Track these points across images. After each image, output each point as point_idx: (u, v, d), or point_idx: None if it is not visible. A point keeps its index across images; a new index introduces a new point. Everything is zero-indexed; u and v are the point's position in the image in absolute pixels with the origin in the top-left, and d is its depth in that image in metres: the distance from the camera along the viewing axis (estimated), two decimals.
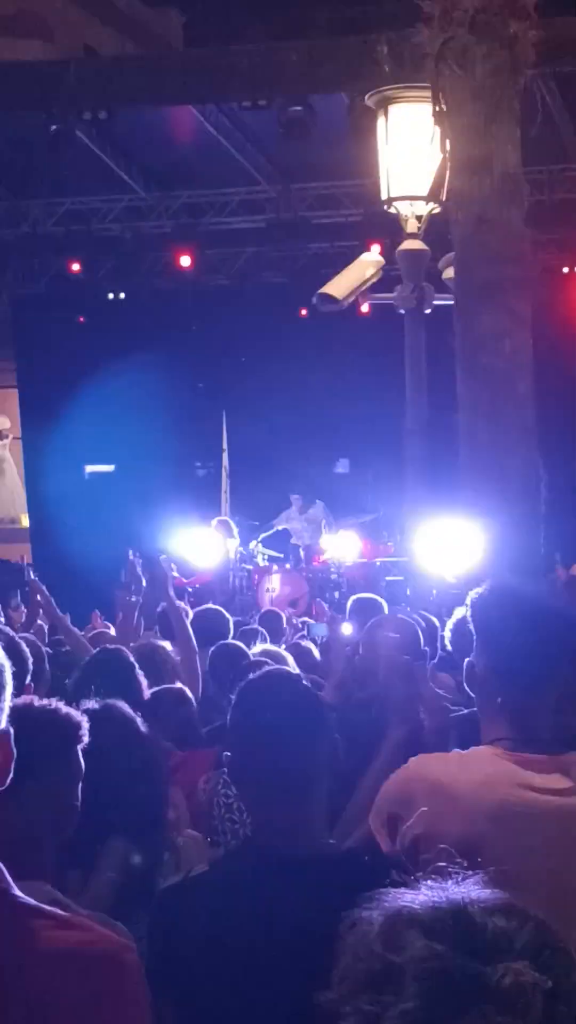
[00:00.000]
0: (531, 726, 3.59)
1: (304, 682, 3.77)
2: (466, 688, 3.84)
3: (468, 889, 1.61)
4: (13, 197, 19.79)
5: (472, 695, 3.77)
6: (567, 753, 3.56)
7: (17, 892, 2.10)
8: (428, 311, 10.52)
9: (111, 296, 21.70)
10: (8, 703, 2.15)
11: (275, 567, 20.25)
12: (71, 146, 17.78)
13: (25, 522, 25.48)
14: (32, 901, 2.11)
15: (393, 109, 10.58)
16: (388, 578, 18.91)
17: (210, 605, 10.97)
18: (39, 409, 22.89)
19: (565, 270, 19.73)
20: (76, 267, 20.65)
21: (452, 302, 8.23)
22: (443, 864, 1.81)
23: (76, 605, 14.72)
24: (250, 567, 20.25)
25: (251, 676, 3.70)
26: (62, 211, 20.19)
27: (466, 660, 3.75)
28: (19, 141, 17.82)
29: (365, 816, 3.76)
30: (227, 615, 9.95)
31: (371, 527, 20.04)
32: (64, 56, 27.90)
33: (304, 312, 18.72)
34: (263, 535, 20.76)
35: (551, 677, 3.64)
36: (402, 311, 10.59)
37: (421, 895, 1.64)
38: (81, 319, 21.83)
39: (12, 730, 2.16)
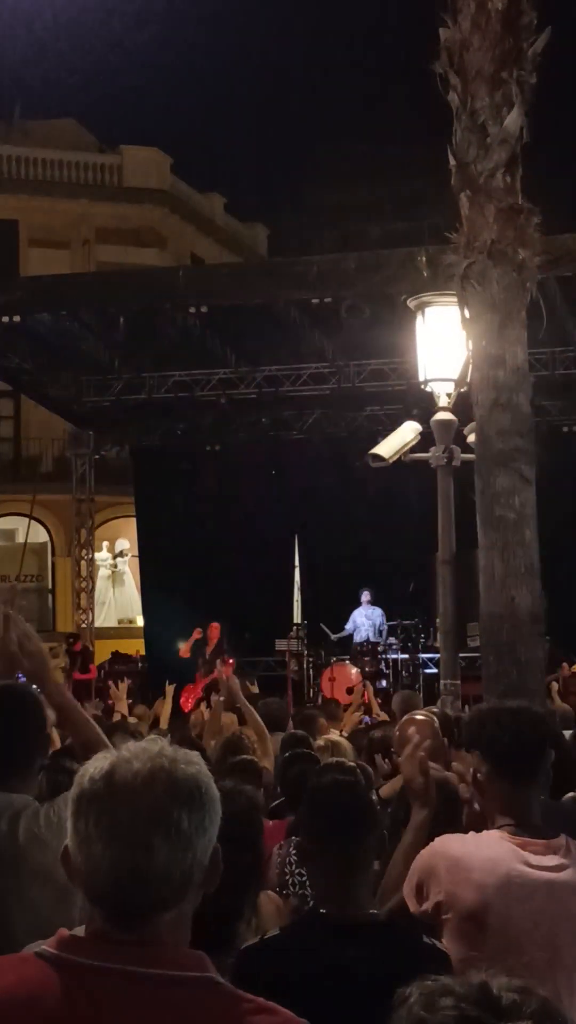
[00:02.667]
0: (527, 815, 3.62)
1: (361, 786, 3.78)
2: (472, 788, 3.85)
3: (491, 974, 1.63)
4: (135, 372, 20.07)
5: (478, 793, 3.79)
6: (557, 837, 3.59)
7: (221, 980, 2.06)
8: (457, 465, 10.61)
9: (208, 448, 21.91)
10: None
11: (334, 659, 20.21)
12: (179, 331, 18.12)
13: (140, 622, 25.58)
14: (231, 988, 2.07)
15: (428, 310, 10.72)
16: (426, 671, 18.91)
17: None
18: (153, 534, 23.09)
19: (565, 429, 19.75)
20: (182, 426, 20.88)
21: (474, 458, 8.31)
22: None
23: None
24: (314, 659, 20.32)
25: (319, 781, 3.74)
26: (171, 382, 20.44)
27: (471, 769, 3.77)
28: (140, 329, 18.12)
29: (397, 887, 3.78)
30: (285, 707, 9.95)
31: (412, 629, 19.99)
32: (175, 262, 28.53)
33: (359, 462, 18.80)
34: (338, 635, 20.71)
35: (537, 774, 3.68)
36: (435, 466, 10.66)
37: (454, 979, 1.67)
38: (186, 465, 21.99)
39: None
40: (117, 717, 10.50)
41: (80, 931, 2.07)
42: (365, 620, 20.52)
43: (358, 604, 20.76)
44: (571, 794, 6.42)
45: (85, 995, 1.95)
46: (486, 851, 3.54)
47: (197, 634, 18.48)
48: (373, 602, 20.55)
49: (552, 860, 3.50)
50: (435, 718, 6.23)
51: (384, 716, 11.08)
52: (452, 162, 7.21)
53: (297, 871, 5.52)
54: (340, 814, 3.51)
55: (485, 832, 3.65)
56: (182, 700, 17.10)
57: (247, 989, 2.23)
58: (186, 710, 15.56)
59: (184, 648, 18.48)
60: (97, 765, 2.07)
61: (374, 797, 4.23)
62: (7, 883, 3.53)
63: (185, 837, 2.02)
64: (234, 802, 4.28)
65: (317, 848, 3.53)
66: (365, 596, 20.56)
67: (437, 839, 3.68)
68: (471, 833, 3.72)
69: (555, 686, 13.12)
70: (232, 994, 2.05)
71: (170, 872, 2.00)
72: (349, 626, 20.66)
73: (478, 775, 3.68)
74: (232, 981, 3.35)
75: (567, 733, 8.80)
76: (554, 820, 3.84)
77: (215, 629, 18.55)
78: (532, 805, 3.63)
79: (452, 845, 3.63)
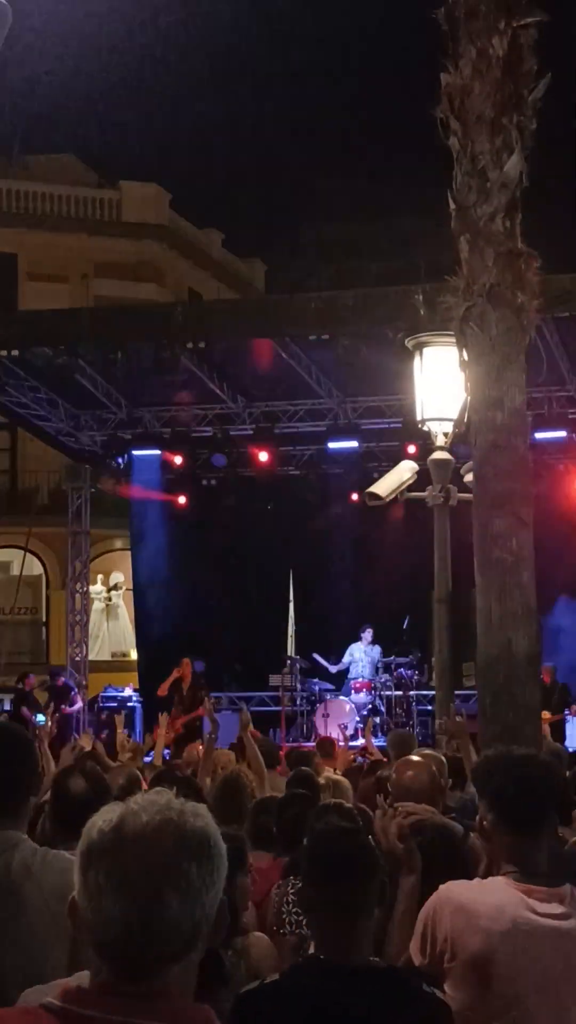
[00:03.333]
0: (532, 862, 3.62)
1: (362, 832, 3.78)
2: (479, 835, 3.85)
3: None
4: (132, 406, 20.12)
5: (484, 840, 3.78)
6: (562, 885, 3.58)
7: None
8: (453, 504, 10.64)
9: (204, 483, 21.91)
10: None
11: (328, 696, 20.19)
12: (176, 367, 18.17)
13: (133, 656, 25.52)
14: None
15: (426, 350, 10.77)
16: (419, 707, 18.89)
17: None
18: (147, 567, 23.07)
19: (561, 467, 19.80)
20: (179, 460, 20.89)
21: (471, 497, 8.33)
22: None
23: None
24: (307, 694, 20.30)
25: (320, 826, 3.74)
26: (167, 417, 20.47)
27: (477, 817, 3.77)
28: (138, 364, 18.16)
29: (400, 951, 3.78)
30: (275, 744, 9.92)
31: (407, 666, 19.96)
32: (173, 297, 28.63)
33: (355, 496, 18.81)
34: (336, 667, 20.67)
35: (544, 822, 3.68)
36: (431, 505, 10.69)
37: None
38: (181, 500, 21.99)
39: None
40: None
41: (85, 982, 2.06)
42: (364, 656, 20.47)
43: (353, 639, 20.72)
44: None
45: None
46: (492, 897, 3.54)
47: (176, 673, 18.52)
48: (373, 640, 20.49)
49: (557, 908, 3.51)
50: (431, 761, 6.23)
51: (378, 754, 11.05)
52: (452, 206, 7.26)
53: (294, 910, 5.51)
54: (341, 860, 3.50)
55: (490, 879, 3.66)
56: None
57: None
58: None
59: (162, 687, 18.45)
60: (105, 817, 2.07)
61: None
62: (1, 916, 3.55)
63: (195, 889, 2.02)
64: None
65: (317, 894, 3.52)
66: (367, 634, 20.51)
67: (442, 886, 3.68)
68: (476, 880, 3.72)
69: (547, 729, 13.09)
70: None
71: (180, 924, 2.00)
72: (346, 659, 20.60)
73: (484, 822, 3.68)
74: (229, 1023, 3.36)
75: None
76: (559, 868, 3.85)
77: (187, 666, 18.51)
78: (538, 853, 3.63)
79: (457, 891, 3.63)
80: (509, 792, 3.59)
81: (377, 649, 20.49)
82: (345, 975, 3.34)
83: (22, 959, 3.41)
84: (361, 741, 15.06)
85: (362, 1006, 3.22)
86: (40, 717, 22.10)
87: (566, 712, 18.06)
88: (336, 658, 20.74)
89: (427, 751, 8.40)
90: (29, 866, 3.59)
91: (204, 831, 2.07)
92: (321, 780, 7.55)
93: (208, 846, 2.06)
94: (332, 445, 20.13)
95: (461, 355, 7.27)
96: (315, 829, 3.73)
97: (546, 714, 14.63)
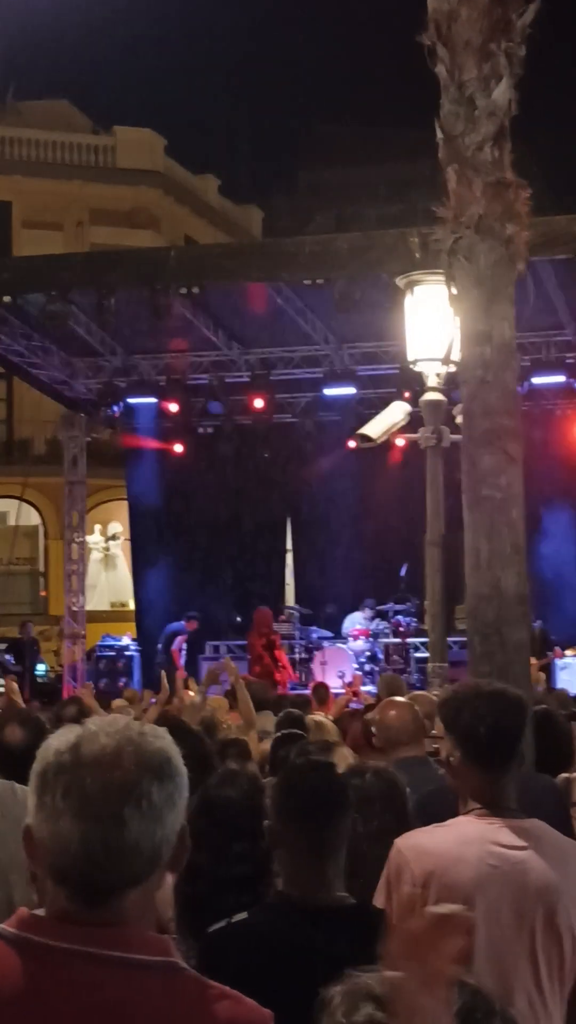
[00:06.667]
0: (500, 798, 3.57)
1: (335, 768, 3.70)
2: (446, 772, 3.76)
3: None
4: (127, 354, 19.94)
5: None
6: (526, 818, 3.56)
7: (185, 966, 2.02)
8: (446, 446, 10.52)
9: (201, 431, 21.81)
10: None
11: (326, 644, 20.21)
12: (170, 313, 18.01)
13: (131, 605, 25.54)
14: (195, 974, 2.04)
15: (417, 289, 10.63)
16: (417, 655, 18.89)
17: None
18: (144, 517, 23.04)
19: (558, 413, 19.68)
20: (174, 408, 20.79)
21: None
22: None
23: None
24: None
25: (293, 761, 3.67)
26: (163, 364, 20.32)
27: (445, 754, 3.69)
28: (131, 310, 17.98)
29: None
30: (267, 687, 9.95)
31: (405, 613, 19.95)
32: (169, 244, 28.38)
33: (352, 443, 18.71)
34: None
35: (513, 760, 3.61)
36: (423, 447, 10.57)
37: (379, 975, 1.57)
38: (178, 448, 21.89)
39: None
40: None
41: (41, 910, 2.01)
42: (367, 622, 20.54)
43: (353, 592, 20.76)
44: (564, 775, 6.36)
45: (47, 977, 1.91)
46: (456, 834, 3.52)
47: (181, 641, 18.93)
48: (374, 616, 20.47)
49: (522, 840, 3.48)
50: (416, 702, 6.18)
51: (370, 699, 11.02)
52: (439, 135, 7.07)
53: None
54: (312, 795, 3.42)
55: (452, 820, 3.61)
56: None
57: (215, 974, 2.17)
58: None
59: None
60: (62, 739, 2.02)
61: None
62: None
63: (156, 809, 1.98)
64: (237, 784, 4.19)
65: (287, 829, 3.44)
66: (367, 612, 20.49)
67: (399, 838, 3.62)
68: (433, 825, 3.66)
69: (542, 676, 13.03)
70: (196, 980, 2.02)
71: (141, 845, 1.96)
72: (346, 627, 20.69)
73: (451, 759, 3.60)
74: (199, 966, 3.29)
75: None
76: (528, 798, 3.78)
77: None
78: (505, 789, 3.59)
79: (417, 836, 3.61)
80: (479, 731, 3.51)
81: (371, 603, 20.49)
82: (314, 912, 3.28)
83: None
84: (367, 688, 15.10)
85: (334, 944, 3.14)
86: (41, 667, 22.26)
87: (550, 655, 18.14)
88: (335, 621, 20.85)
89: (420, 693, 8.37)
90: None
91: (165, 751, 2.03)
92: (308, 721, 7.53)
93: (169, 766, 2.02)
94: (328, 392, 20.00)
95: (449, 289, 7.11)
96: (288, 764, 3.67)
97: (533, 660, 14.60)
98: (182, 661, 20.05)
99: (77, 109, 34.83)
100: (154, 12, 39.06)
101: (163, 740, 2.04)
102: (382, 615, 20.24)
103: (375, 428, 10.90)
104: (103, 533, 30.73)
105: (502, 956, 3.34)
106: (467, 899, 3.38)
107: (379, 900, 3.55)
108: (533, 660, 13.66)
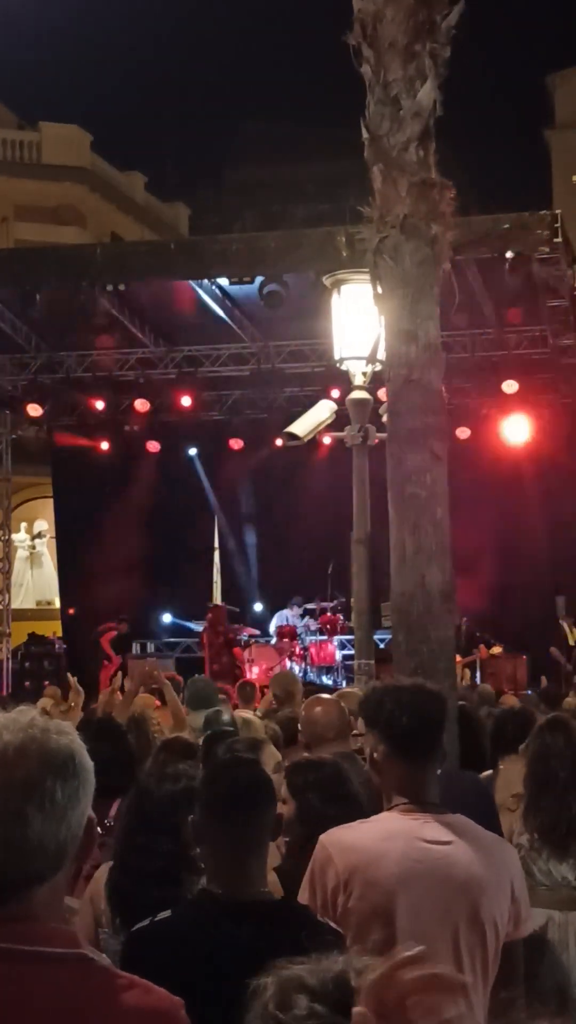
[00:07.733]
0: (423, 792, 3.59)
1: (259, 763, 3.70)
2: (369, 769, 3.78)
3: (349, 959, 1.52)
4: (51, 350, 19.78)
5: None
6: (450, 814, 3.58)
7: (94, 957, 2.03)
8: (372, 444, 10.56)
9: (127, 428, 21.72)
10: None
11: (254, 641, 20.21)
12: (96, 310, 17.91)
13: (57, 604, 25.38)
14: (106, 962, 2.07)
15: (344, 288, 10.66)
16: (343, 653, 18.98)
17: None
18: (70, 515, 22.90)
19: (483, 412, 19.81)
20: (100, 405, 20.69)
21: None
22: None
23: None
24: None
25: (219, 756, 3.66)
26: (88, 361, 20.19)
27: (369, 750, 3.71)
28: (57, 307, 17.86)
29: None
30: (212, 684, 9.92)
31: (332, 610, 19.99)
32: (95, 241, 28.20)
33: (279, 441, 18.73)
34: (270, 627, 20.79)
35: (436, 752, 3.64)
36: (350, 445, 10.61)
37: (311, 965, 1.56)
38: (104, 445, 21.78)
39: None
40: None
41: None
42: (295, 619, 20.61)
43: (277, 593, 20.81)
44: (487, 772, 6.42)
45: None
46: (380, 830, 3.53)
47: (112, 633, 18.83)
48: (303, 614, 20.54)
49: (446, 835, 3.49)
50: (342, 699, 6.19)
51: None
52: (365, 135, 7.10)
53: None
54: (238, 790, 3.41)
55: (376, 816, 3.62)
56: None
57: (135, 971, 2.17)
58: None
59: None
60: None
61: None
62: None
63: (60, 807, 1.99)
64: (167, 781, 4.18)
65: (211, 824, 3.43)
66: (295, 610, 20.56)
67: (323, 835, 3.62)
68: (358, 821, 3.67)
69: (467, 672, 13.13)
70: (105, 971, 2.04)
71: (44, 843, 1.97)
72: (275, 624, 20.73)
73: (375, 755, 3.62)
74: (121, 963, 3.28)
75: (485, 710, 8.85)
76: (453, 794, 3.81)
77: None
78: (428, 783, 3.60)
79: (340, 833, 3.61)
80: (402, 720, 3.53)
81: (300, 600, 20.56)
82: (238, 908, 3.27)
83: None
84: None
85: (258, 940, 3.13)
86: None
87: (475, 652, 18.33)
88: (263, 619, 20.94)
89: (347, 690, 8.40)
90: None
91: (69, 748, 2.03)
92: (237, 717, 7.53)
93: (73, 764, 2.03)
94: (255, 389, 19.99)
95: (375, 288, 7.14)
96: (213, 759, 3.66)
97: (457, 657, 14.72)
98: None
99: (2, 104, 34.48)
100: (81, 7, 38.80)
101: (67, 736, 2.04)
102: (309, 612, 20.28)
103: (302, 426, 10.92)
104: (29, 531, 30.48)
105: (443, 944, 3.36)
106: (390, 894, 3.40)
107: (303, 896, 3.56)
108: (458, 657, 13.82)
